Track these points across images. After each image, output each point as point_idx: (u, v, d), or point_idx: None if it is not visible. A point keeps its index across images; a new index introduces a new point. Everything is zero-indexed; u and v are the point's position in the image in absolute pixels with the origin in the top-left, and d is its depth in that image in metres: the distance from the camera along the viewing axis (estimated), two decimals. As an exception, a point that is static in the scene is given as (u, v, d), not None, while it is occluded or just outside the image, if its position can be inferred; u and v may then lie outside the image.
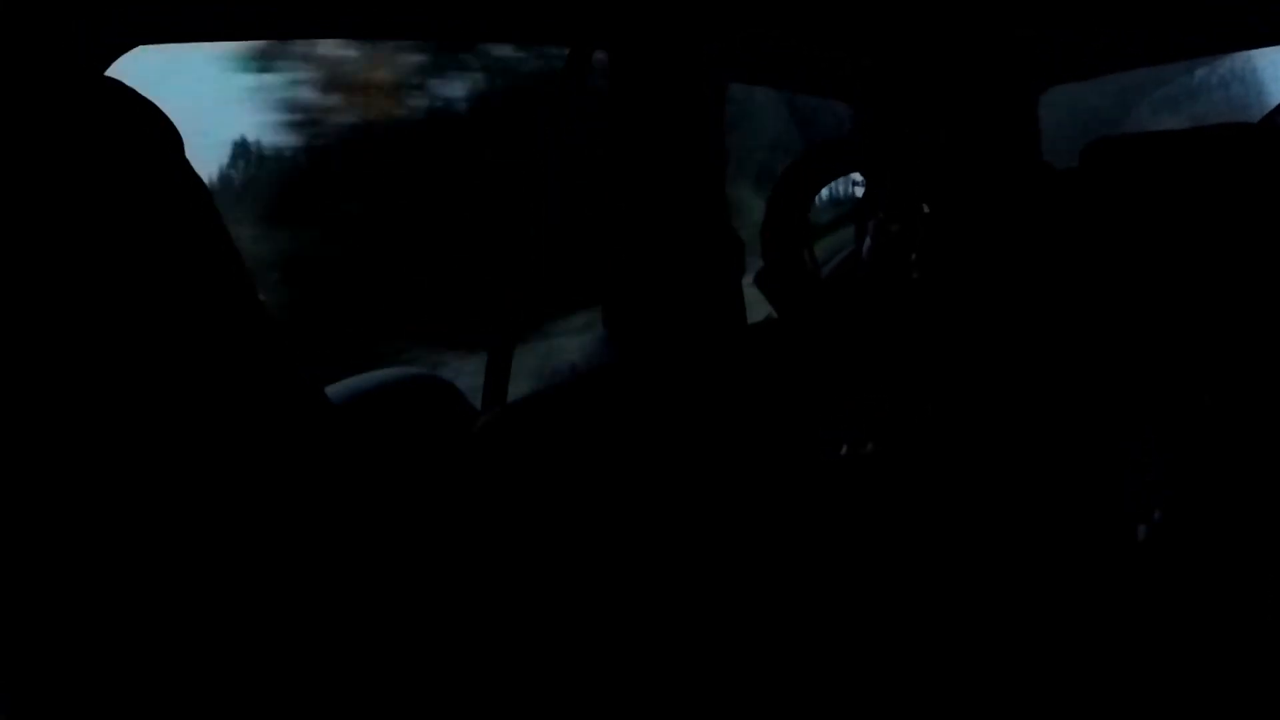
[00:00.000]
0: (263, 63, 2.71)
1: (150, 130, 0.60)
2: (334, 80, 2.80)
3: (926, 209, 1.36)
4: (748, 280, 1.34)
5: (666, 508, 1.09)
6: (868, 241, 1.36)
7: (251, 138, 3.06)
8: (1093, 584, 1.05)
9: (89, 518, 0.57)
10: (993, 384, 1.30)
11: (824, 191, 1.37)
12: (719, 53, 1.44)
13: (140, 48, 1.01)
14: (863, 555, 1.10)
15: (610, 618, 0.96)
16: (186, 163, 0.62)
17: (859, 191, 1.38)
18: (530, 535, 0.99)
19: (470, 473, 1.08)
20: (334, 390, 1.25)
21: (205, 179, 0.62)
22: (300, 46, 2.73)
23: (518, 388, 1.55)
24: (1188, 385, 1.19)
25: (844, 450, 1.19)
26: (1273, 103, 1.94)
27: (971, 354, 1.34)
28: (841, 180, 1.38)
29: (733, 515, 1.11)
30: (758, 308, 1.37)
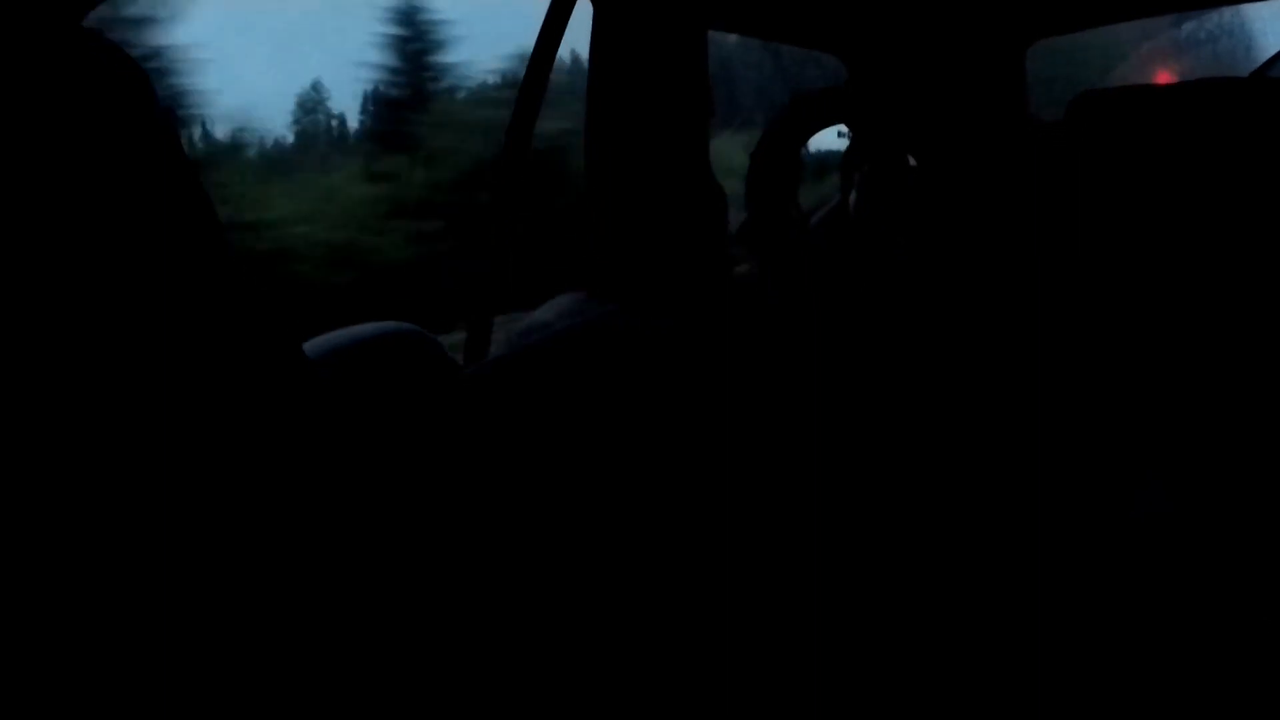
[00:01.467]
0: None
1: (122, 81, 0.59)
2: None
3: (912, 161, 1.35)
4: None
5: (651, 464, 1.09)
6: (854, 194, 1.35)
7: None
8: (1084, 567, 1.06)
9: (59, 473, 0.56)
10: (980, 340, 1.30)
11: (810, 143, 1.36)
12: (704, 0, 1.42)
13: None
14: (848, 525, 1.10)
15: (597, 574, 0.96)
16: (159, 117, 0.61)
17: (845, 143, 1.37)
18: (516, 488, 0.99)
19: (457, 423, 1.08)
20: (316, 344, 1.24)
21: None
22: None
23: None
24: (1175, 342, 1.20)
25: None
26: (1262, 58, 1.93)
27: (959, 306, 1.34)
28: (827, 131, 1.37)
29: (718, 479, 1.11)
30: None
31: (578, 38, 1.47)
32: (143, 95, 0.59)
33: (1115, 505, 1.10)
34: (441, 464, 0.91)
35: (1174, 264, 1.23)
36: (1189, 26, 2.38)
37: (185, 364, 0.60)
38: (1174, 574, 1.03)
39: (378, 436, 0.82)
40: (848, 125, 1.36)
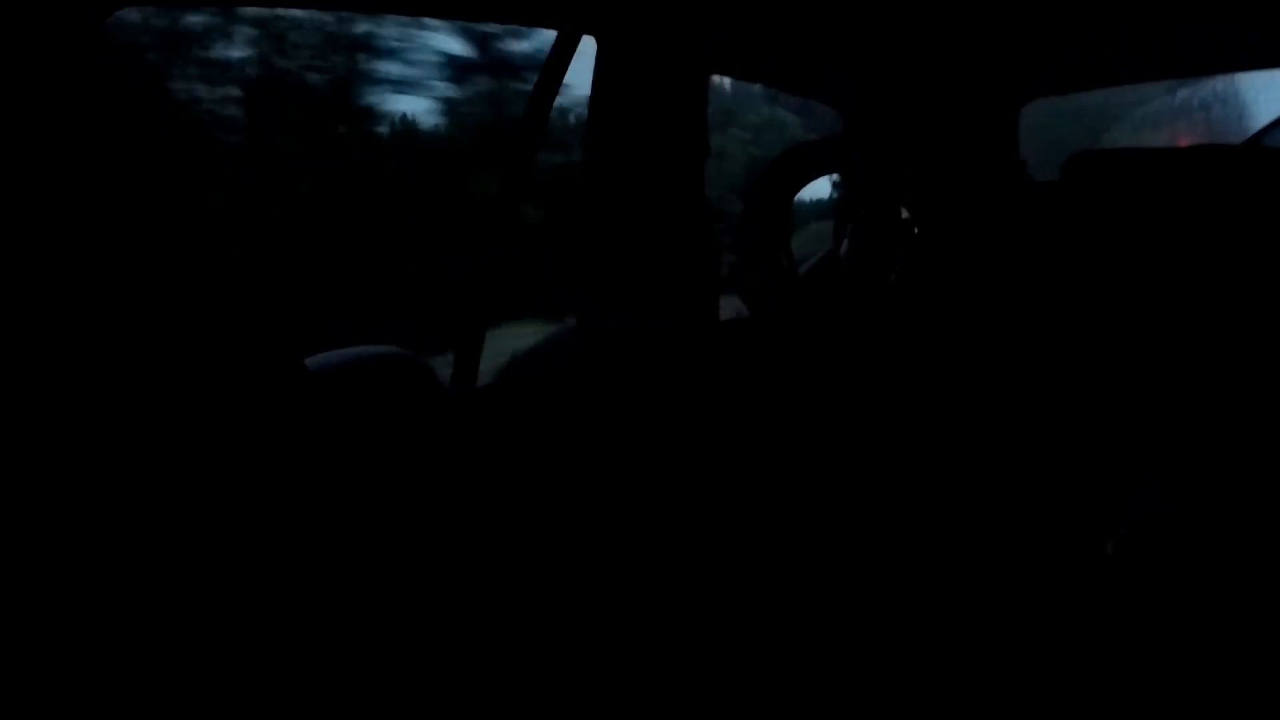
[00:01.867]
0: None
1: (131, 85, 0.59)
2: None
3: (905, 214, 1.36)
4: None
5: (634, 494, 1.09)
6: (845, 244, 1.36)
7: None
8: (1061, 596, 1.06)
9: (57, 475, 0.56)
10: (968, 393, 1.31)
11: (803, 192, 1.37)
12: (707, 45, 1.44)
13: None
14: (835, 553, 1.10)
15: (588, 586, 0.97)
16: (166, 124, 0.61)
17: (838, 193, 1.38)
18: (504, 510, 1.00)
19: (446, 446, 1.09)
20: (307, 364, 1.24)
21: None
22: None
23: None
24: (1167, 399, 1.21)
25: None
26: (1255, 127, 1.96)
27: (948, 362, 1.34)
28: (822, 181, 1.38)
29: (699, 508, 1.12)
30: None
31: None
32: (150, 102, 0.60)
33: (1088, 555, 1.11)
34: (429, 484, 0.92)
35: (1163, 323, 1.24)
36: (1184, 93, 2.40)
37: (183, 371, 0.60)
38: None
39: (367, 457, 0.83)
40: (841, 176, 1.37)
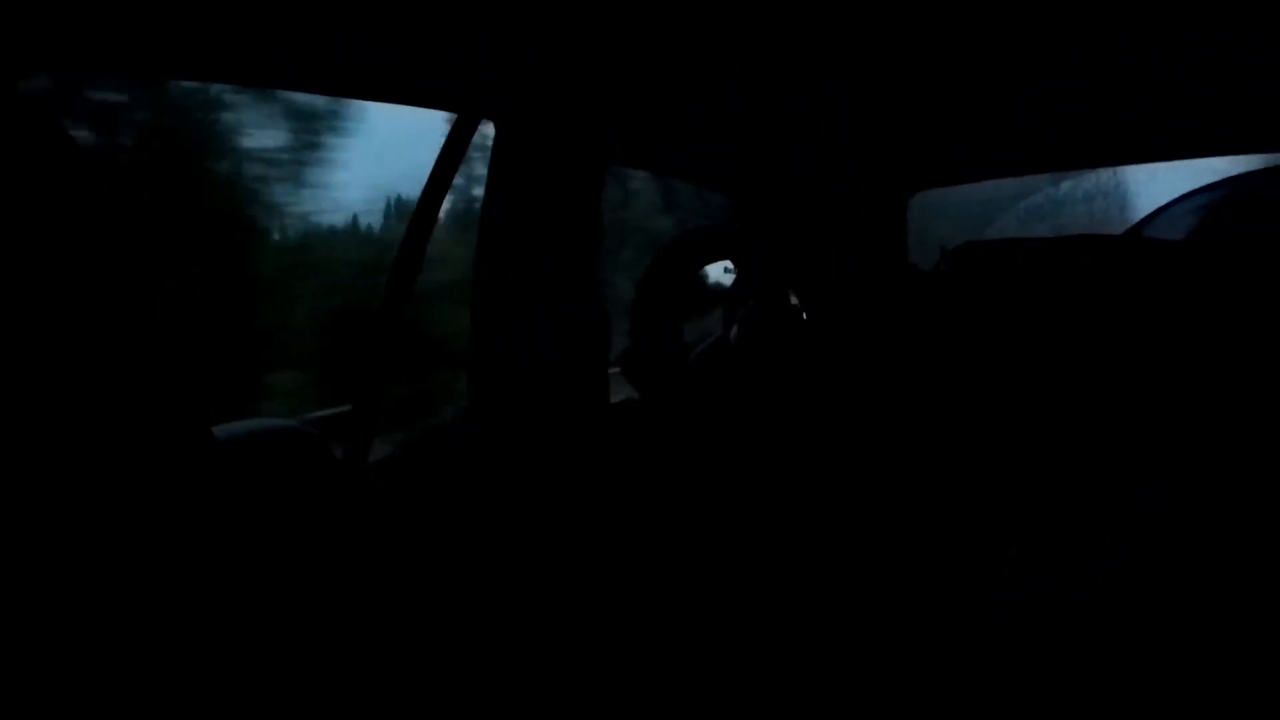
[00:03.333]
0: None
1: (52, 149, 0.58)
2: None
3: (795, 300, 1.39)
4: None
5: (517, 574, 1.08)
6: (735, 329, 1.38)
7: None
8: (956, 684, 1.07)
9: None
10: (852, 479, 1.32)
11: (694, 276, 1.39)
12: (604, 131, 1.46)
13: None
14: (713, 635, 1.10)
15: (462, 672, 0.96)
16: (96, 183, 0.60)
17: (729, 279, 1.41)
18: (404, 584, 0.99)
19: (347, 520, 1.08)
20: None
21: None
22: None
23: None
24: (1044, 488, 1.24)
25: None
26: (1135, 218, 2.05)
27: (834, 446, 1.36)
28: (713, 266, 1.40)
29: (584, 588, 1.11)
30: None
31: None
32: (77, 166, 0.59)
33: (983, 645, 1.12)
34: (329, 558, 0.91)
35: (1041, 407, 1.28)
36: (1067, 185, 2.51)
37: (96, 434, 0.58)
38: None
39: (264, 531, 0.81)
40: (733, 261, 1.40)
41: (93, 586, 0.58)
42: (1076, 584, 1.12)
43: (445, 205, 1.50)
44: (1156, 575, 1.06)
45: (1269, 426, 1.13)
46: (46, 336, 0.56)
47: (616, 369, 1.34)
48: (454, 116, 1.50)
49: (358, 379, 1.56)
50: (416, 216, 1.48)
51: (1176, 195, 1.87)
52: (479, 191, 1.48)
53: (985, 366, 1.32)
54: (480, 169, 1.50)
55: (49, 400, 0.56)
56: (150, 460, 0.61)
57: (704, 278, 1.38)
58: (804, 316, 1.38)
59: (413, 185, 1.51)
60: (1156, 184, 2.10)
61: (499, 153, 1.46)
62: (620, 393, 1.40)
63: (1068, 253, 1.36)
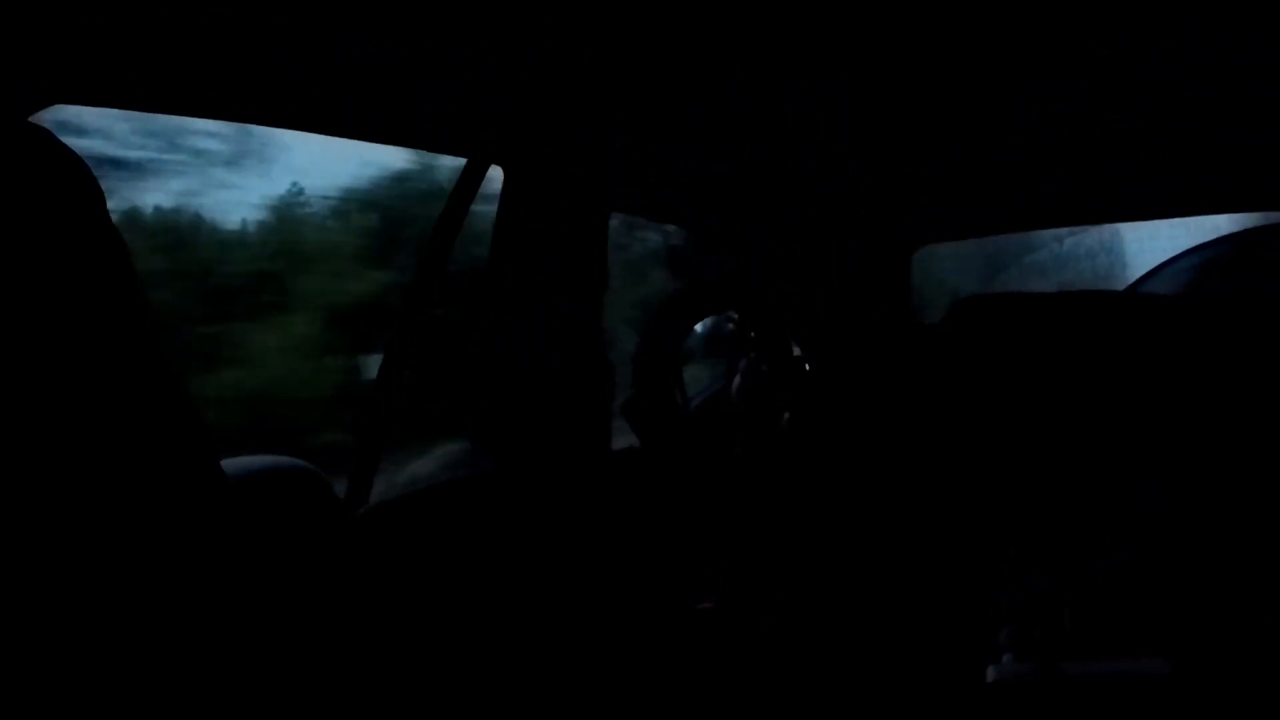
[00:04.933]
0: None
1: (67, 178, 0.59)
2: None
3: (797, 352, 1.40)
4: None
5: (515, 618, 1.09)
6: (737, 379, 1.39)
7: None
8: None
9: None
10: (852, 527, 1.32)
11: (698, 327, 1.40)
12: (610, 180, 1.48)
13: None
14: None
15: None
16: (106, 215, 0.61)
17: (732, 329, 1.42)
18: (394, 625, 0.99)
19: (343, 560, 1.08)
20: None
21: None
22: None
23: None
24: (1045, 535, 1.24)
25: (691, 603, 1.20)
26: (1136, 274, 2.07)
27: (834, 497, 1.36)
28: (716, 317, 1.41)
29: (581, 632, 1.11)
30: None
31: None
32: (90, 194, 0.60)
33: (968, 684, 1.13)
34: (321, 600, 0.91)
35: (1046, 462, 1.28)
36: (1070, 241, 2.54)
37: (106, 465, 0.58)
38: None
39: (267, 567, 0.81)
40: (736, 313, 1.41)
41: (104, 613, 0.58)
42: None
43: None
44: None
45: (1268, 483, 1.14)
46: (57, 361, 0.57)
47: (619, 417, 1.35)
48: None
49: (361, 421, 1.56)
50: (423, 263, 1.49)
51: (1177, 252, 1.89)
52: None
53: (986, 419, 1.32)
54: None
55: (64, 431, 0.56)
56: (159, 494, 0.62)
57: (706, 328, 1.39)
58: (806, 368, 1.38)
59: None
60: (1158, 240, 2.12)
61: (506, 196, 1.48)
62: (622, 439, 1.41)
63: (1069, 307, 1.37)
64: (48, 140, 0.59)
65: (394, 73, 1.23)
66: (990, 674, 1.12)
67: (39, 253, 0.57)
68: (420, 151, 2.70)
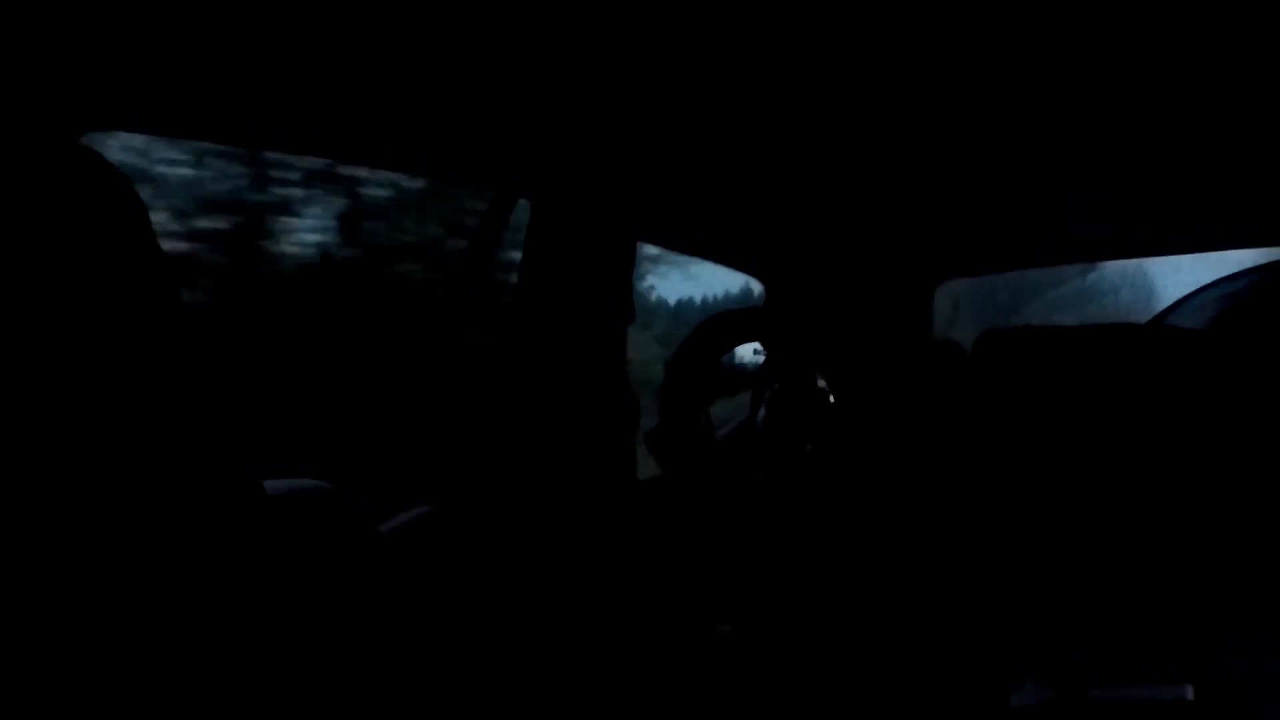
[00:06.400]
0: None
1: (114, 198, 0.61)
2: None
3: (822, 383, 1.40)
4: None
5: (539, 647, 1.09)
6: (763, 410, 1.39)
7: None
8: None
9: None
10: (875, 556, 1.32)
11: (724, 358, 1.41)
12: (636, 213, 1.50)
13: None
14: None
15: None
16: (152, 235, 0.63)
17: (759, 360, 1.43)
18: (420, 642, 1.00)
19: (373, 576, 1.09)
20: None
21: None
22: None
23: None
24: (1062, 566, 1.24)
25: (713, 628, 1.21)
26: (1160, 307, 2.07)
27: (857, 526, 1.36)
28: (743, 348, 1.42)
29: (605, 656, 1.11)
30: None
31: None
32: (137, 214, 0.62)
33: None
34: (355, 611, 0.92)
35: (1064, 490, 1.28)
36: (1094, 275, 2.54)
37: (147, 480, 0.60)
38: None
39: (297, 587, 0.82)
40: (762, 344, 1.42)
41: (141, 623, 0.59)
42: (1100, 610, 1.13)
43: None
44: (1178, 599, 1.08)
45: None
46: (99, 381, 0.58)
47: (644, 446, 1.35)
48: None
49: (376, 448, 1.57)
50: (454, 293, 1.51)
51: (1200, 285, 1.89)
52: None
53: (1010, 450, 1.32)
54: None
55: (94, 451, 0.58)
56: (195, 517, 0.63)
57: (733, 359, 1.40)
58: (830, 400, 1.39)
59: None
60: (1181, 274, 2.12)
61: (533, 229, 1.49)
62: (647, 469, 1.41)
63: (1094, 341, 1.37)
64: (97, 161, 0.62)
65: (423, 105, 1.26)
66: (1015, 699, 1.12)
67: (86, 269, 0.59)
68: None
